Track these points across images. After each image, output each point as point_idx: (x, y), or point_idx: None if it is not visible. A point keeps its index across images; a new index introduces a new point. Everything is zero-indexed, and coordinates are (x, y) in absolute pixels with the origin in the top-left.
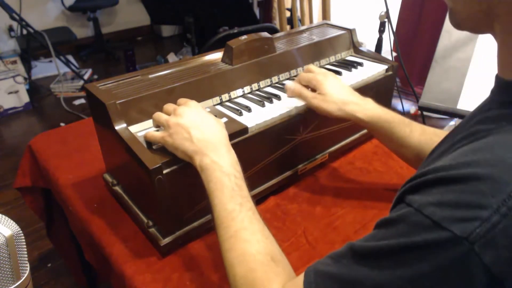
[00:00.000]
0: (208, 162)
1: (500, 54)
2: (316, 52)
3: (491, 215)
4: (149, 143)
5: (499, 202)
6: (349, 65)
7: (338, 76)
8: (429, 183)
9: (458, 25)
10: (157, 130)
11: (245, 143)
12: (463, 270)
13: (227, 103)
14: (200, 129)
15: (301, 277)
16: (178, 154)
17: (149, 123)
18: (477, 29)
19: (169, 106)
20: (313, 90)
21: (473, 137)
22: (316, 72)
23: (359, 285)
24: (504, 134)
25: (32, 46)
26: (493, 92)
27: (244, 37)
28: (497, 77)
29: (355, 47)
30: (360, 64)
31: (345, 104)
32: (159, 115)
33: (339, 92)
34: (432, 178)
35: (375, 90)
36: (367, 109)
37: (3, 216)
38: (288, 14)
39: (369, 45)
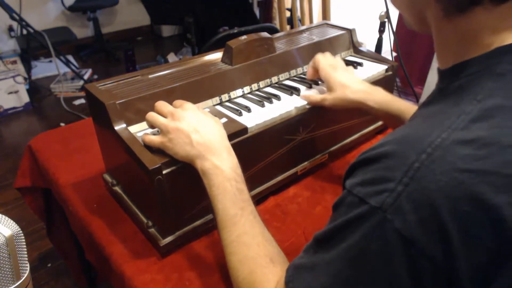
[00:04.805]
0: (210, 166)
1: (437, 48)
2: (316, 52)
3: (396, 186)
4: None
5: (402, 174)
6: (349, 65)
7: (347, 67)
8: (356, 166)
9: (410, 27)
10: (154, 132)
11: (244, 143)
12: (382, 236)
13: (227, 103)
14: (200, 133)
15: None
16: (179, 158)
17: None
18: (422, 30)
19: (163, 107)
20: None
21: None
22: (326, 64)
23: (317, 267)
24: (421, 116)
25: (32, 46)
26: (436, 83)
27: (244, 37)
28: (437, 69)
29: (355, 47)
30: (360, 64)
31: (354, 94)
32: (154, 117)
33: (348, 82)
34: (356, 161)
35: None
36: (377, 96)
37: (3, 216)
38: (288, 14)
39: (369, 45)
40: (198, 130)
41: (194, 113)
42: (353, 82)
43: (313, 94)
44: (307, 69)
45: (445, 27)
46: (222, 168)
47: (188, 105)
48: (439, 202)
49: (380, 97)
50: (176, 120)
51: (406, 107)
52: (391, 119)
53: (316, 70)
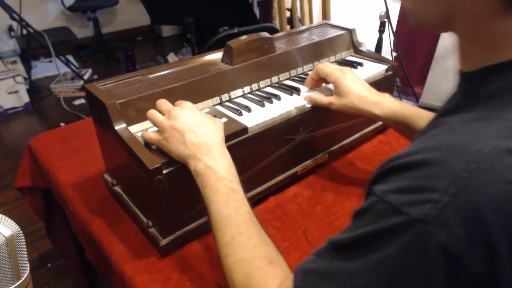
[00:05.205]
0: (202, 167)
1: (461, 49)
2: (316, 52)
3: (442, 196)
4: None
5: (448, 184)
6: (349, 65)
7: (354, 71)
8: (388, 171)
9: (419, 25)
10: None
11: (245, 143)
12: (422, 250)
13: (227, 103)
14: (194, 133)
15: (292, 276)
16: (173, 157)
17: (149, 123)
18: (438, 29)
19: (163, 105)
20: (327, 82)
21: (435, 128)
22: (335, 68)
23: (337, 277)
24: (454, 122)
25: (32, 46)
26: (457, 85)
27: (244, 37)
28: (459, 71)
29: (355, 47)
30: (360, 64)
31: (362, 103)
32: (154, 115)
33: (357, 89)
34: (389, 167)
35: None
36: (384, 106)
37: (3, 216)
38: (288, 14)
39: (369, 45)
40: (193, 130)
41: (191, 112)
42: (362, 90)
43: (315, 95)
44: (307, 78)
45: (486, 25)
46: (215, 168)
47: (187, 104)
48: (488, 215)
49: (388, 107)
50: (172, 119)
51: (412, 114)
52: (397, 126)
53: (315, 80)
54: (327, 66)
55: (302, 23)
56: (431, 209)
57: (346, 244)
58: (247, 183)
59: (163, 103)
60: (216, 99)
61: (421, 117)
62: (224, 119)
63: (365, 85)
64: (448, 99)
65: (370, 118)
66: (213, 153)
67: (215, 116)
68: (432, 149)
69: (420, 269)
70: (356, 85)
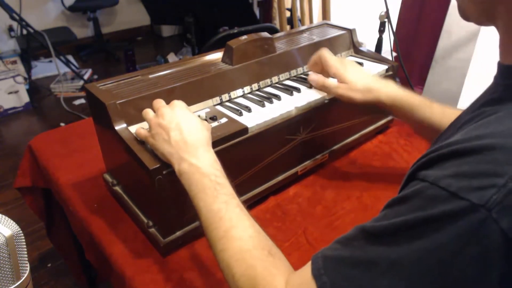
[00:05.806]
0: (186, 166)
1: (502, 43)
2: (317, 52)
3: (507, 182)
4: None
5: None
6: None
7: (354, 61)
8: (443, 157)
9: (466, 18)
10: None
11: (245, 143)
12: (481, 237)
13: (227, 103)
14: (179, 130)
15: (308, 265)
16: (159, 155)
17: None
18: (482, 22)
19: (156, 103)
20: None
21: (479, 117)
22: (335, 60)
23: (374, 264)
24: (504, 112)
25: (32, 46)
26: (496, 78)
27: (244, 37)
28: (499, 64)
29: (355, 47)
30: (361, 64)
31: (369, 91)
32: (146, 113)
33: (361, 78)
34: (445, 152)
35: None
36: (389, 91)
37: (3, 216)
38: (288, 14)
39: (369, 45)
40: (178, 127)
41: (180, 110)
42: (365, 81)
43: (322, 77)
44: (311, 59)
45: None
46: (198, 165)
47: (177, 102)
48: None
49: (391, 91)
50: (159, 116)
51: (419, 102)
52: (401, 115)
53: (317, 64)
54: (330, 58)
55: (302, 23)
56: (495, 195)
57: (387, 230)
58: (247, 183)
59: (157, 102)
60: (216, 99)
61: (425, 105)
62: (224, 119)
63: (366, 73)
64: (486, 91)
65: (375, 105)
66: (196, 151)
67: (215, 116)
68: (495, 135)
69: (478, 257)
70: (359, 75)
